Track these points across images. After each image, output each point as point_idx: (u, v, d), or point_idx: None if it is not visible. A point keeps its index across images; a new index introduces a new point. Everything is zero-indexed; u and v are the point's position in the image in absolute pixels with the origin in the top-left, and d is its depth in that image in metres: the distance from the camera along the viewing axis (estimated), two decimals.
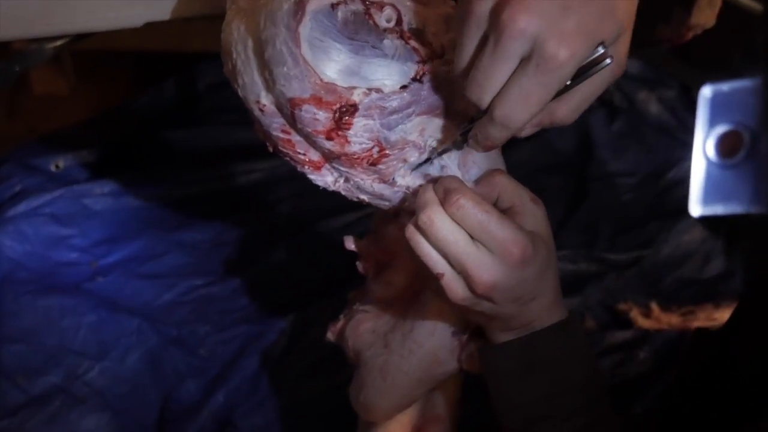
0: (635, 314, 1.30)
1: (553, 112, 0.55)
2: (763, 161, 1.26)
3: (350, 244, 0.77)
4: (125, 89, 1.77)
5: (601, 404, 0.68)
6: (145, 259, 1.34)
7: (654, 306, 1.30)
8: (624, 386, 1.21)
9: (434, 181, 0.63)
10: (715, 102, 1.34)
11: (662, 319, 1.29)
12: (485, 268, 0.58)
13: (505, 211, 0.62)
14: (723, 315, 1.29)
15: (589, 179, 1.58)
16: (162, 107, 1.70)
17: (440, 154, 0.63)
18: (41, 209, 1.37)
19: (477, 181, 0.64)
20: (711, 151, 1.30)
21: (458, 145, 0.61)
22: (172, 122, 1.65)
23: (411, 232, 0.60)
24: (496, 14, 0.50)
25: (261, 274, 1.33)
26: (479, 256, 0.58)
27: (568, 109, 0.55)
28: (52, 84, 1.74)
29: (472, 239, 0.59)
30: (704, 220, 1.34)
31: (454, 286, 0.60)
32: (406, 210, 0.66)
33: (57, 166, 1.49)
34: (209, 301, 1.29)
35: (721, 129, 1.31)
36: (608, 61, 0.52)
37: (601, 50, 0.51)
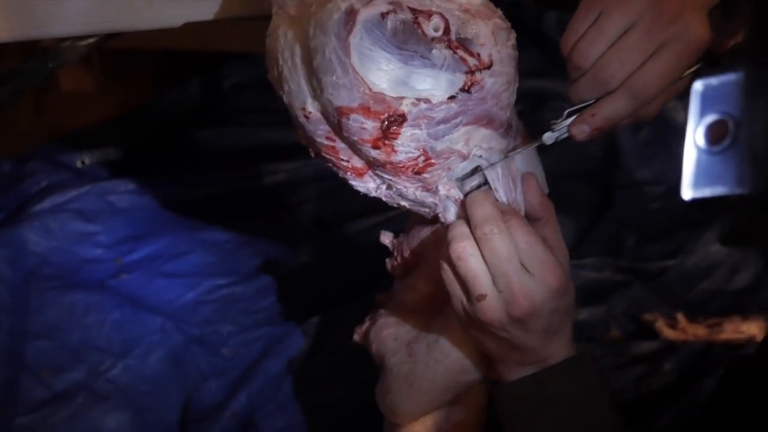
0: (661, 325, 1.28)
1: (650, 104, 0.61)
2: (744, 147, 1.32)
3: (386, 238, 0.78)
4: (151, 88, 1.78)
5: None
6: (169, 258, 1.34)
7: (680, 317, 1.28)
8: (648, 398, 1.20)
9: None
10: (705, 95, 1.46)
11: (688, 331, 1.27)
12: (530, 291, 0.60)
13: None
14: (750, 327, 1.27)
15: (615, 187, 1.57)
16: (187, 107, 1.71)
17: (506, 155, 0.64)
18: (67, 205, 1.37)
19: (534, 193, 0.66)
20: (700, 140, 1.40)
21: (548, 139, 0.63)
22: (198, 122, 1.65)
23: (464, 246, 0.61)
24: (655, 3, 0.58)
25: (285, 275, 1.33)
26: (526, 279, 0.61)
27: (659, 102, 0.62)
28: (79, 81, 1.75)
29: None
30: (695, 202, 1.40)
31: (493, 307, 0.61)
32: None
33: (83, 163, 1.50)
34: (233, 301, 1.29)
35: (709, 119, 1.42)
36: (700, 64, 0.61)
37: None
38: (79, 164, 1.51)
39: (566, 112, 0.62)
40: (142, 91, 1.76)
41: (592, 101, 0.61)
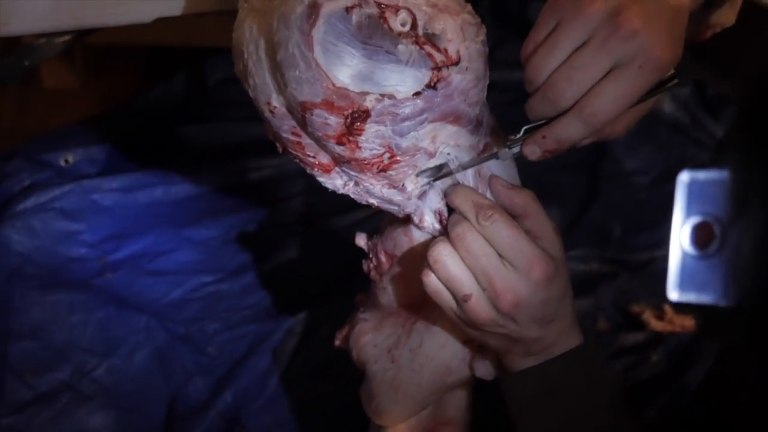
0: (648, 316, 1.28)
1: (614, 124, 0.59)
2: (730, 255, 1.31)
3: (360, 240, 0.77)
4: (135, 84, 1.77)
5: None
6: (155, 256, 1.33)
7: (667, 308, 1.28)
8: (636, 389, 1.20)
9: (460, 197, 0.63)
10: (691, 189, 1.42)
11: (676, 322, 1.27)
12: (511, 284, 0.60)
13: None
14: None
15: (601, 178, 1.56)
16: (172, 103, 1.69)
17: (464, 168, 0.63)
18: (50, 204, 1.36)
19: (501, 195, 0.65)
20: (685, 241, 1.37)
21: (504, 156, 0.62)
22: (182, 118, 1.64)
23: (438, 253, 0.61)
24: (612, 15, 0.52)
25: (271, 272, 1.32)
26: (506, 272, 0.60)
27: (625, 123, 0.60)
28: (62, 78, 1.74)
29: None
30: (682, 305, 1.37)
31: (481, 305, 0.61)
32: (423, 228, 0.66)
33: (66, 161, 1.48)
34: (218, 298, 1.28)
35: (695, 219, 1.38)
36: (676, 80, 0.55)
37: (672, 70, 0.55)
38: (62, 162, 1.49)
39: (523, 129, 0.60)
40: (126, 88, 1.75)
41: (547, 120, 0.58)
